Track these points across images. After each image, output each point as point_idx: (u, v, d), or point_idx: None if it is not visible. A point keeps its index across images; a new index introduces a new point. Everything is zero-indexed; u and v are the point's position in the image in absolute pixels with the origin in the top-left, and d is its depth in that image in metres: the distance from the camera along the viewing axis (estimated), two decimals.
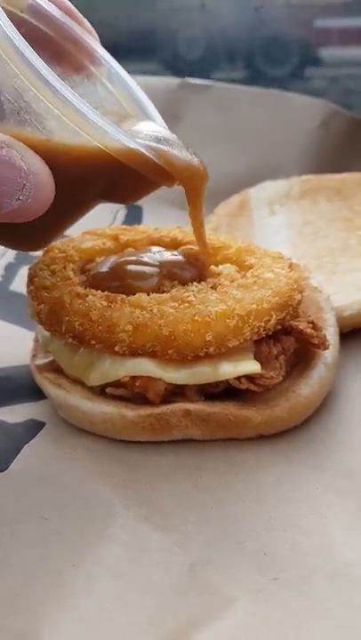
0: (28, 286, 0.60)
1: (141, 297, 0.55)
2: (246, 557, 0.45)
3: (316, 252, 0.74)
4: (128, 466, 0.54)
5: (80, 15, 0.54)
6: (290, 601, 0.41)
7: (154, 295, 0.55)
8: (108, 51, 0.56)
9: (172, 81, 0.92)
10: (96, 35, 0.55)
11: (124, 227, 0.67)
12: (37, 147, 0.45)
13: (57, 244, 0.63)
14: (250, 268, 0.59)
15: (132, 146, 0.47)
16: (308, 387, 0.57)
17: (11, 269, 0.76)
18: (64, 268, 0.60)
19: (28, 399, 0.62)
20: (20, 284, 0.74)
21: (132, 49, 0.98)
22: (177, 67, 0.99)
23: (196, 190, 0.53)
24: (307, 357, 0.59)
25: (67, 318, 0.55)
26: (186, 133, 0.90)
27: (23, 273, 0.75)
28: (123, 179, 0.49)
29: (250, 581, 0.43)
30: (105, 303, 0.55)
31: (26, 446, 0.56)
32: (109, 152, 0.46)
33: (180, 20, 0.97)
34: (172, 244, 0.64)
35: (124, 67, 0.60)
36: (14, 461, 0.54)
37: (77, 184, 0.48)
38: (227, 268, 0.61)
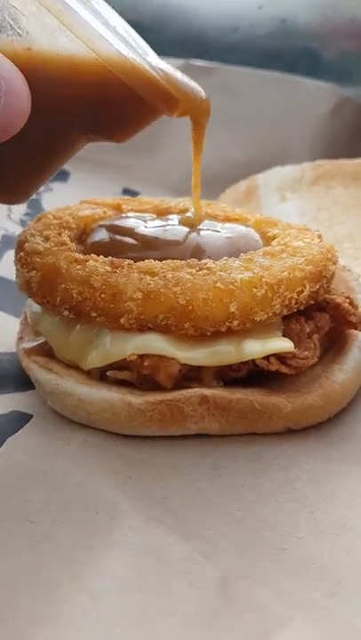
0: (16, 254, 0.51)
1: (152, 262, 0.47)
2: (291, 568, 0.36)
3: (334, 237, 0.68)
4: (133, 462, 0.45)
5: None
6: (353, 619, 0.32)
7: (167, 260, 0.47)
8: None
9: (175, 62, 0.85)
10: None
11: (126, 197, 0.60)
12: (17, 57, 0.38)
13: (51, 210, 0.55)
14: (273, 239, 0.52)
15: (133, 58, 0.39)
16: (343, 373, 0.49)
17: None
18: (59, 234, 0.52)
19: (11, 389, 0.52)
20: (5, 267, 0.65)
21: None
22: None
23: (199, 123, 0.47)
24: (339, 340, 0.51)
25: (63, 286, 0.47)
26: None
27: (9, 255, 0.67)
28: (115, 105, 0.42)
29: (301, 597, 0.34)
30: (109, 268, 0.46)
31: (9, 439, 0.47)
32: (104, 64, 0.39)
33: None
34: None
35: None
36: None
37: (61, 109, 0.41)
38: None
